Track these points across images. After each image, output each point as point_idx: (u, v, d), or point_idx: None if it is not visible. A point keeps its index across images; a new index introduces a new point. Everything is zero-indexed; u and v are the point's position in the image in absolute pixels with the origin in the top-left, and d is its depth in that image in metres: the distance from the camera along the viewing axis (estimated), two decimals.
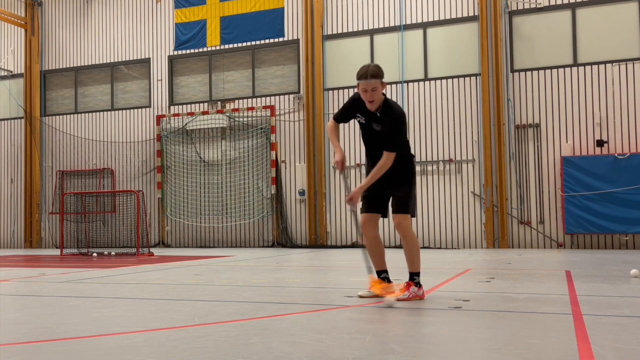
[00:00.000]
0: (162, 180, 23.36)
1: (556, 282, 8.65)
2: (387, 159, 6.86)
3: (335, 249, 19.96)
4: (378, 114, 6.99)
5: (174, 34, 23.83)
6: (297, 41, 22.18)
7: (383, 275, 7.29)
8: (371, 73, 6.93)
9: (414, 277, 6.98)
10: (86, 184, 24.78)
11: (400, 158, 6.92)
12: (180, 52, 23.71)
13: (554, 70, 19.29)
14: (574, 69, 19.13)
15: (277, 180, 21.90)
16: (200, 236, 23.02)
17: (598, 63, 18.92)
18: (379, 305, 6.52)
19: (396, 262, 10.96)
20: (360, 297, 7.14)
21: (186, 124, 22.85)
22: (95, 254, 18.00)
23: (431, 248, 19.71)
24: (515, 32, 19.80)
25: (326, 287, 8.60)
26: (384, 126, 6.95)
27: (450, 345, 4.56)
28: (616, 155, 18.14)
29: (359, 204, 7.16)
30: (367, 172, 7.17)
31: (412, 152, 7.20)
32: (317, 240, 21.22)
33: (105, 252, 18.58)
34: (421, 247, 19.72)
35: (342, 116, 7.34)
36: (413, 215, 7.09)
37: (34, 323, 5.72)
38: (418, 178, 20.44)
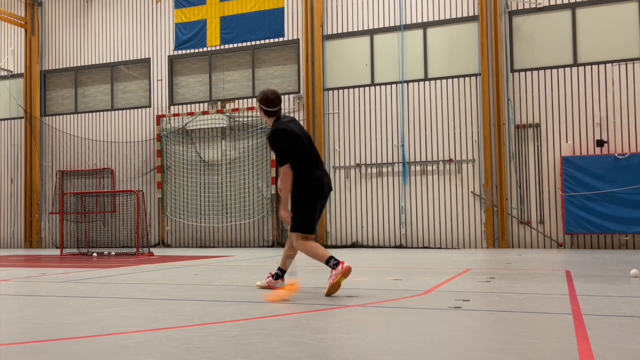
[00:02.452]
0: (162, 180, 23.36)
1: (556, 282, 8.66)
2: (281, 173, 7.70)
3: (335, 249, 19.95)
4: None
5: (174, 34, 23.84)
6: (297, 41, 22.19)
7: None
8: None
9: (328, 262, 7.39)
10: (86, 184, 24.78)
11: (295, 176, 7.61)
12: (180, 52, 23.71)
13: (554, 70, 19.29)
14: (574, 69, 19.13)
15: (277, 180, 21.88)
16: (200, 236, 23.02)
17: (598, 63, 18.92)
18: (378, 306, 6.52)
19: (400, 262, 10.94)
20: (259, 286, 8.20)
21: (186, 123, 22.85)
22: (95, 254, 18.01)
23: (431, 248, 19.71)
24: (515, 32, 19.81)
25: (326, 287, 8.60)
26: None
27: (450, 345, 4.56)
28: (616, 155, 18.14)
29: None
30: None
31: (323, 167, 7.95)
32: (317, 240, 21.20)
33: (105, 252, 18.59)
34: (421, 247, 19.83)
35: None
36: (297, 231, 7.65)
37: (34, 323, 5.73)
38: (418, 178, 20.44)
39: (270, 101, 7.87)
